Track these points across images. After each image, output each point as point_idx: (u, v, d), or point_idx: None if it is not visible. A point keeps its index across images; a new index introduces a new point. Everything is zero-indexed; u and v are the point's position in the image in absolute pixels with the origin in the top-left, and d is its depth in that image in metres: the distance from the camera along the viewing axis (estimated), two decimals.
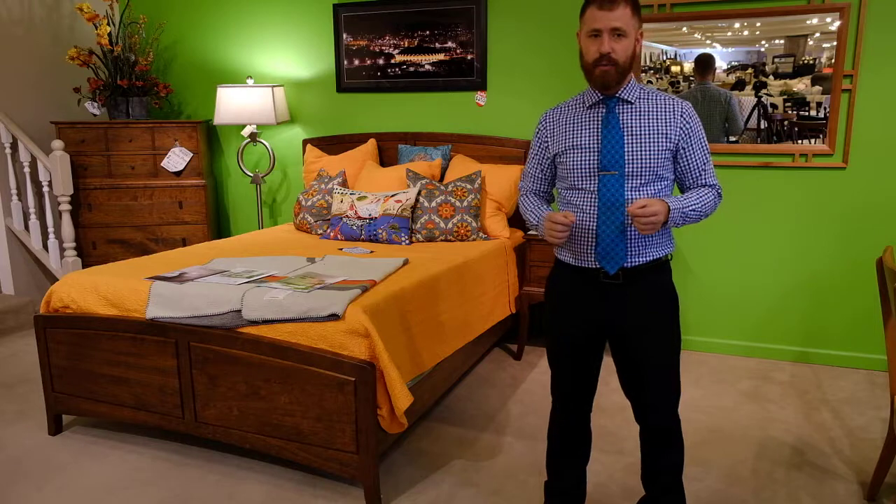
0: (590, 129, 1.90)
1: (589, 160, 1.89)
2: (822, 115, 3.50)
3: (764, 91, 3.58)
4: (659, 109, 1.88)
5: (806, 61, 3.48)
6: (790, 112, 3.56)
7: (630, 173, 1.86)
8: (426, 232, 3.65)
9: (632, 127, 1.87)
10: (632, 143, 1.86)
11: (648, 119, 1.87)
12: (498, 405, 3.21)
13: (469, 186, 3.69)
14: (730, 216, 3.77)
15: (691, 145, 1.89)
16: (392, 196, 3.66)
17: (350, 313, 2.35)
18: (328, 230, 3.74)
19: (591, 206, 1.89)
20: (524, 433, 2.92)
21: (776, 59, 3.54)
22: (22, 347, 4.03)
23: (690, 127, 1.89)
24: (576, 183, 1.92)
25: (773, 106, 3.59)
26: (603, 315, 1.95)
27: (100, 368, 2.76)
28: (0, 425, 3.03)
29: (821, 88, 3.47)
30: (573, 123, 1.94)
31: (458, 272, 3.11)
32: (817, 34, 3.44)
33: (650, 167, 1.86)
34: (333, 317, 2.36)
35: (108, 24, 4.52)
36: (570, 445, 2.14)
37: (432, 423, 3.03)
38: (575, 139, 1.92)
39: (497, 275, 3.52)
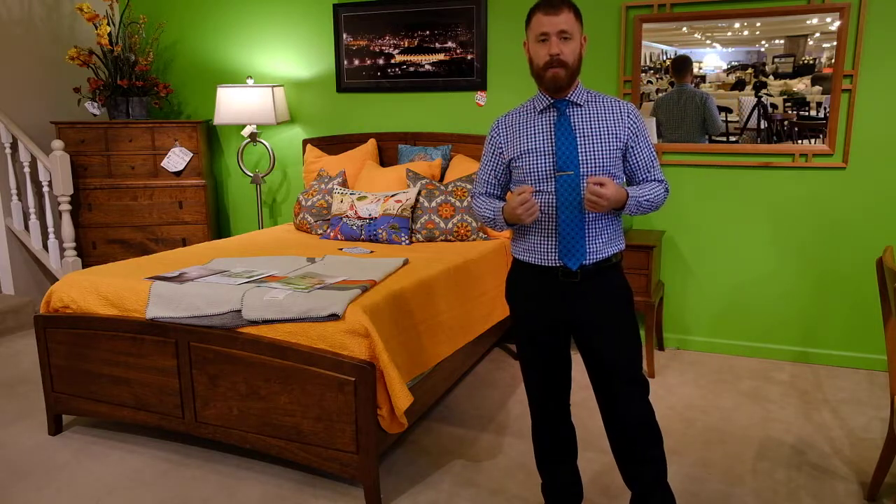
0: (543, 132, 1.97)
1: (544, 162, 1.95)
2: (822, 115, 3.50)
3: (764, 91, 3.58)
4: (607, 111, 1.97)
5: (806, 61, 3.48)
6: (790, 112, 3.56)
7: (585, 172, 1.93)
8: (426, 232, 3.65)
9: (583, 128, 1.95)
10: (584, 144, 1.94)
11: (598, 121, 1.96)
12: (498, 405, 3.21)
13: (469, 186, 3.68)
14: (730, 216, 3.77)
15: (638, 143, 1.99)
16: (392, 196, 3.66)
17: (350, 313, 2.35)
18: (328, 230, 3.74)
19: (550, 206, 1.96)
20: (524, 433, 2.92)
21: (776, 59, 3.54)
22: (22, 347, 4.03)
23: (637, 126, 1.99)
24: (533, 185, 1.97)
25: (773, 106, 3.59)
26: (566, 313, 2.01)
27: (100, 368, 2.76)
28: (0, 425, 3.03)
29: (821, 88, 3.47)
30: (526, 128, 2.01)
31: (458, 272, 3.11)
32: (817, 34, 3.44)
33: (603, 166, 1.95)
34: (333, 317, 2.36)
35: (108, 24, 4.52)
36: (555, 444, 2.17)
37: (432, 423, 3.03)
38: (529, 143, 1.98)
39: (497, 275, 3.52)
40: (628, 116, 1.98)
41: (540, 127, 1.98)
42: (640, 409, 2.03)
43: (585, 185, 1.90)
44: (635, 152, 2.00)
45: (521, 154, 1.99)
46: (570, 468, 2.21)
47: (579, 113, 1.96)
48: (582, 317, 2.00)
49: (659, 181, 2.03)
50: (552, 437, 2.17)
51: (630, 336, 2.02)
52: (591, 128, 1.95)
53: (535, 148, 1.96)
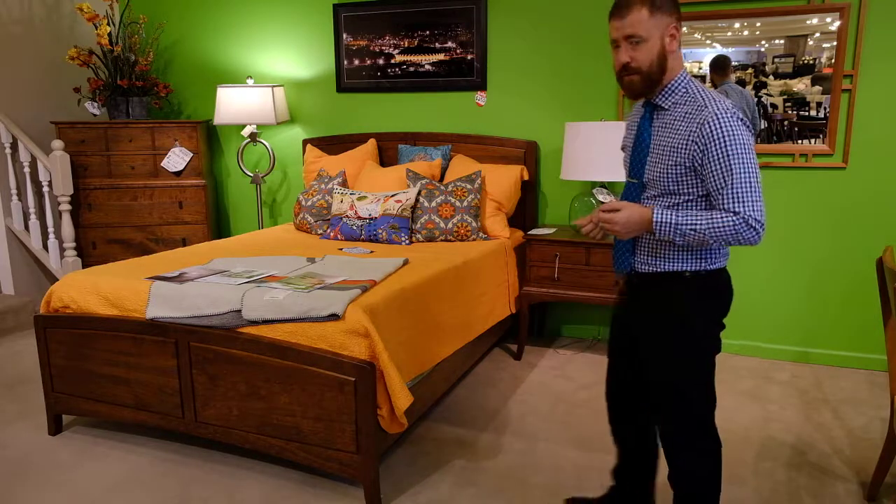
0: (633, 132, 1.93)
1: (627, 163, 1.94)
2: (822, 115, 3.50)
3: (764, 91, 3.58)
4: (683, 119, 1.75)
5: (806, 61, 3.48)
6: (790, 112, 3.56)
7: (648, 183, 1.83)
8: (426, 232, 3.65)
9: (659, 136, 1.81)
10: (654, 153, 1.81)
11: (672, 128, 1.78)
12: (498, 405, 3.21)
13: (469, 186, 3.69)
14: None
15: (708, 160, 1.70)
16: (392, 196, 3.66)
17: (350, 313, 2.35)
18: (328, 230, 3.74)
19: None
20: (524, 433, 2.92)
21: (776, 59, 3.54)
22: (22, 347, 4.03)
23: (710, 140, 1.69)
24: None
25: (773, 106, 3.59)
26: (627, 316, 2.01)
27: (100, 368, 2.76)
28: (0, 425, 3.03)
29: (821, 88, 3.47)
30: (632, 122, 1.96)
31: (458, 272, 3.11)
32: (817, 34, 3.44)
33: (660, 179, 1.80)
34: (333, 317, 2.36)
35: (108, 24, 4.52)
36: (621, 446, 2.19)
37: (432, 423, 3.03)
38: (627, 139, 1.96)
39: (497, 275, 3.52)
40: (700, 126, 1.69)
41: (635, 125, 1.91)
42: (669, 425, 1.92)
43: (644, 196, 1.85)
44: (704, 171, 1.71)
45: (624, 147, 1.98)
46: (637, 479, 2.19)
47: (663, 117, 1.81)
48: (636, 326, 1.97)
49: (729, 211, 1.67)
50: (616, 436, 2.18)
51: (671, 357, 1.86)
52: (664, 136, 1.78)
53: (628, 145, 1.95)
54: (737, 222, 1.66)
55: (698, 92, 1.76)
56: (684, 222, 1.70)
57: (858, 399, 3.26)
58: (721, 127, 1.67)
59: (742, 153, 1.66)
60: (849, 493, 2.44)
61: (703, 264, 1.82)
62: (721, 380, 3.50)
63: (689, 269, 1.83)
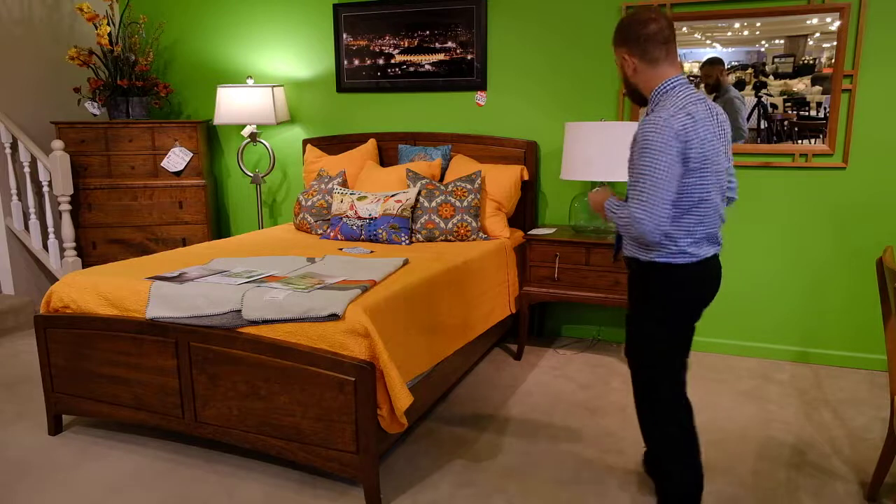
0: None
1: None
2: (822, 115, 3.50)
3: (764, 91, 3.58)
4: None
5: (806, 61, 3.48)
6: (790, 112, 3.56)
7: None
8: (426, 232, 3.65)
9: None
10: None
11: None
12: (498, 405, 3.21)
13: (469, 186, 3.69)
14: (730, 216, 3.77)
15: (630, 160, 1.93)
16: (392, 196, 3.66)
17: (350, 313, 2.35)
18: (328, 230, 3.74)
19: None
20: (524, 433, 2.92)
21: (776, 59, 3.54)
22: (22, 347, 4.03)
23: (634, 141, 1.92)
24: None
25: (773, 106, 3.59)
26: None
27: (100, 368, 2.76)
28: (0, 425, 3.03)
29: (821, 88, 3.48)
30: None
31: (458, 272, 3.11)
32: (817, 34, 3.44)
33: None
34: (333, 317, 2.36)
35: (108, 24, 4.52)
36: None
37: (432, 423, 3.03)
38: None
39: (497, 275, 3.52)
40: (636, 130, 1.92)
41: None
42: (640, 413, 2.21)
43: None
44: None
45: None
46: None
47: None
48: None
49: (628, 205, 1.91)
50: None
51: (639, 338, 2.15)
52: None
53: None
54: (625, 215, 1.89)
55: (664, 99, 1.93)
56: (612, 210, 1.96)
57: (858, 399, 3.26)
58: (642, 130, 1.85)
59: (649, 154, 1.82)
60: (849, 493, 2.44)
61: (656, 255, 1.98)
62: (721, 380, 3.50)
63: (659, 260, 1.99)
